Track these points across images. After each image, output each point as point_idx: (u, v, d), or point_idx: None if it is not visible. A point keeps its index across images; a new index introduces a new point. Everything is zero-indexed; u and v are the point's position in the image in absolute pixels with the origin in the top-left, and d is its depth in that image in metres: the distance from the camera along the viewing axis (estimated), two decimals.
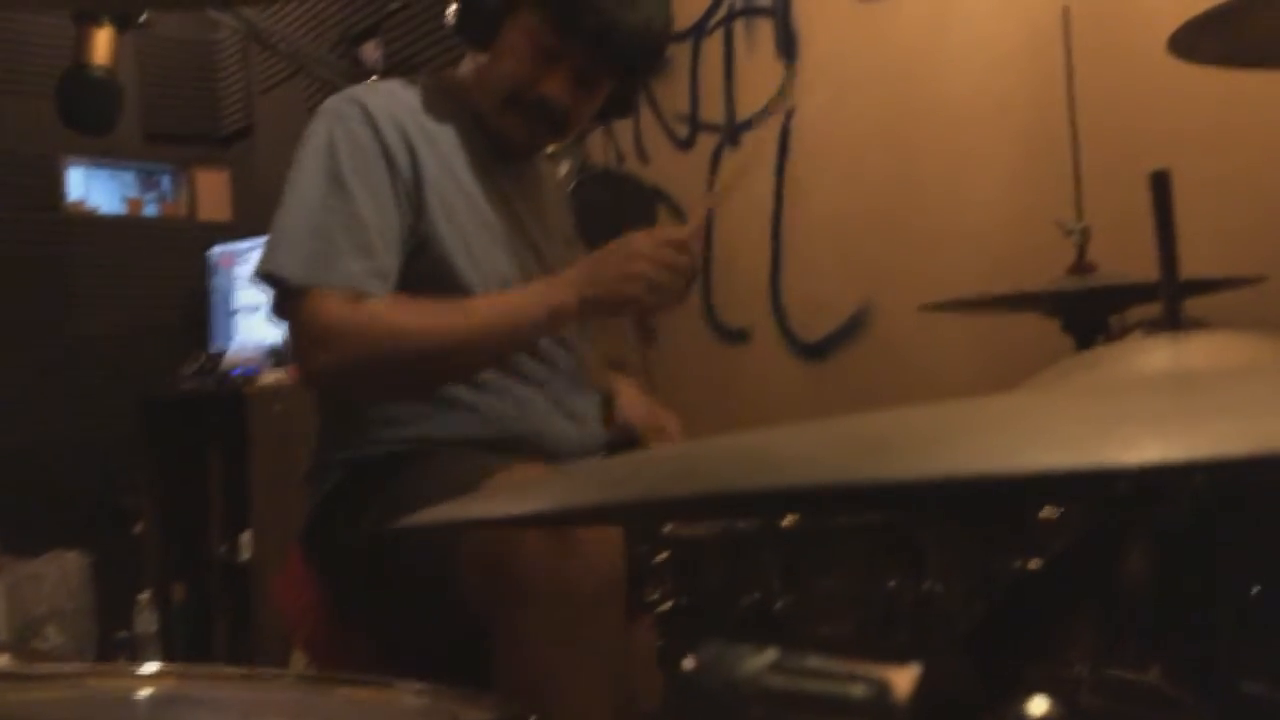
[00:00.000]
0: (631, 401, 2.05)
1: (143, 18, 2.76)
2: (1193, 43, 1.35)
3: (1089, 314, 1.88)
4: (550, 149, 2.12)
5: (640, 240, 1.69)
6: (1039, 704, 0.47)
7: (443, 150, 1.82)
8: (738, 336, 3.20)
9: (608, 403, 1.99)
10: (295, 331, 1.75)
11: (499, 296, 1.76)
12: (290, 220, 1.74)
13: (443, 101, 1.87)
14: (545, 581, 1.52)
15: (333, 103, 1.81)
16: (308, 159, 1.77)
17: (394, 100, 1.83)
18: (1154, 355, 0.94)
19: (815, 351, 2.98)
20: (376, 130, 1.76)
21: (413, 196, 1.77)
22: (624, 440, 1.96)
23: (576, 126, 1.91)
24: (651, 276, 1.66)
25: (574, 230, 2.12)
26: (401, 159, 1.76)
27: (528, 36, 1.78)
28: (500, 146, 1.89)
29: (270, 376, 4.08)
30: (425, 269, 1.77)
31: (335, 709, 0.88)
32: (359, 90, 1.86)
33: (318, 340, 1.70)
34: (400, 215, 1.75)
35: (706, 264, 3.15)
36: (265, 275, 1.74)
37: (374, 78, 2.71)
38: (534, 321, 1.72)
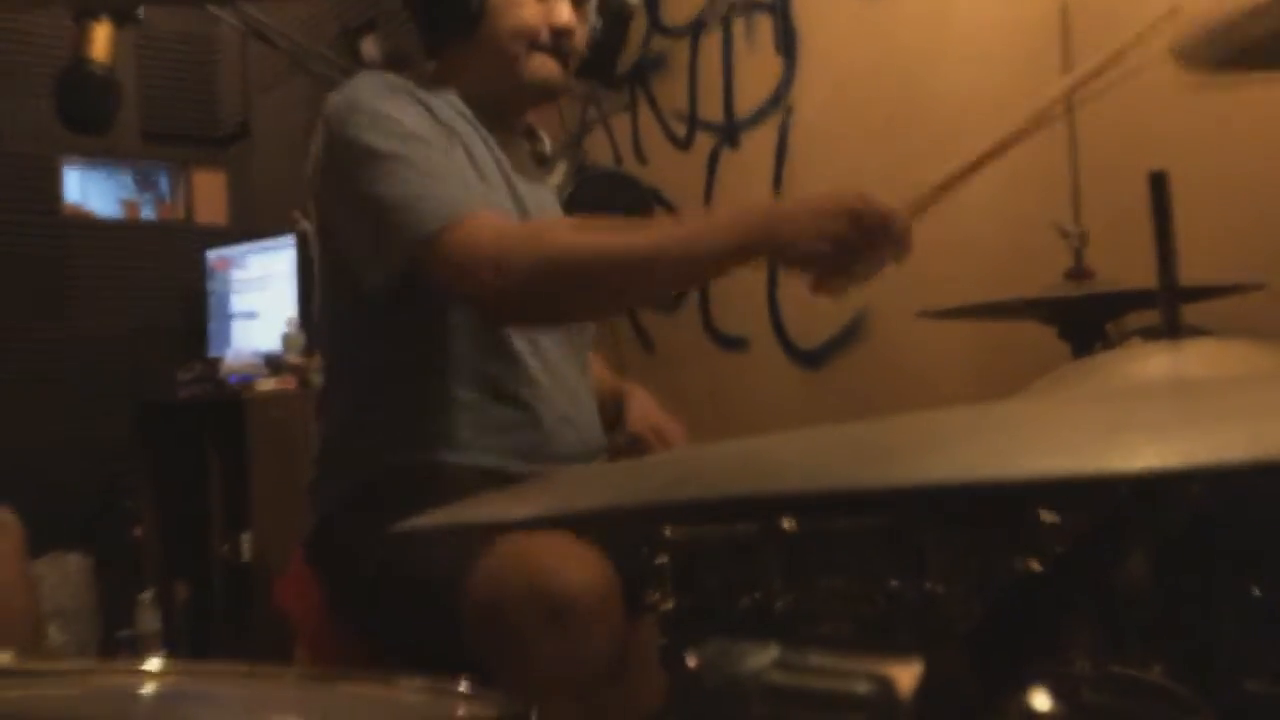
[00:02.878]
0: (640, 408, 2.05)
1: (141, 14, 2.75)
2: (1194, 52, 1.35)
3: (1086, 320, 1.89)
4: (548, 148, 2.13)
5: (853, 199, 1.57)
6: (1041, 700, 0.48)
7: (444, 117, 1.83)
8: (736, 344, 3.20)
9: (618, 407, 1.99)
10: (458, 266, 1.63)
11: (684, 219, 1.69)
12: (394, 192, 1.66)
13: (429, 85, 1.89)
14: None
15: (340, 96, 1.80)
16: (364, 138, 1.71)
17: (392, 81, 1.85)
18: (1152, 362, 0.95)
19: (813, 358, 2.99)
20: (397, 93, 1.78)
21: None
22: (630, 448, 1.96)
23: (582, 50, 1.93)
24: (847, 241, 1.55)
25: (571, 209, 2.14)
26: (427, 120, 1.78)
27: None
28: (493, 124, 1.91)
29: (268, 383, 4.08)
30: None
31: (337, 705, 0.89)
32: (366, 75, 1.87)
33: (489, 267, 1.60)
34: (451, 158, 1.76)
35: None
36: (409, 249, 1.65)
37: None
38: (722, 246, 1.60)
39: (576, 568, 1.53)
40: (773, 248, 1.60)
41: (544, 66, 1.89)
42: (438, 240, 1.62)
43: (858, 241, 1.55)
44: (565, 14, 1.87)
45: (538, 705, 1.30)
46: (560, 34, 1.87)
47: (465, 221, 1.63)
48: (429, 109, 1.79)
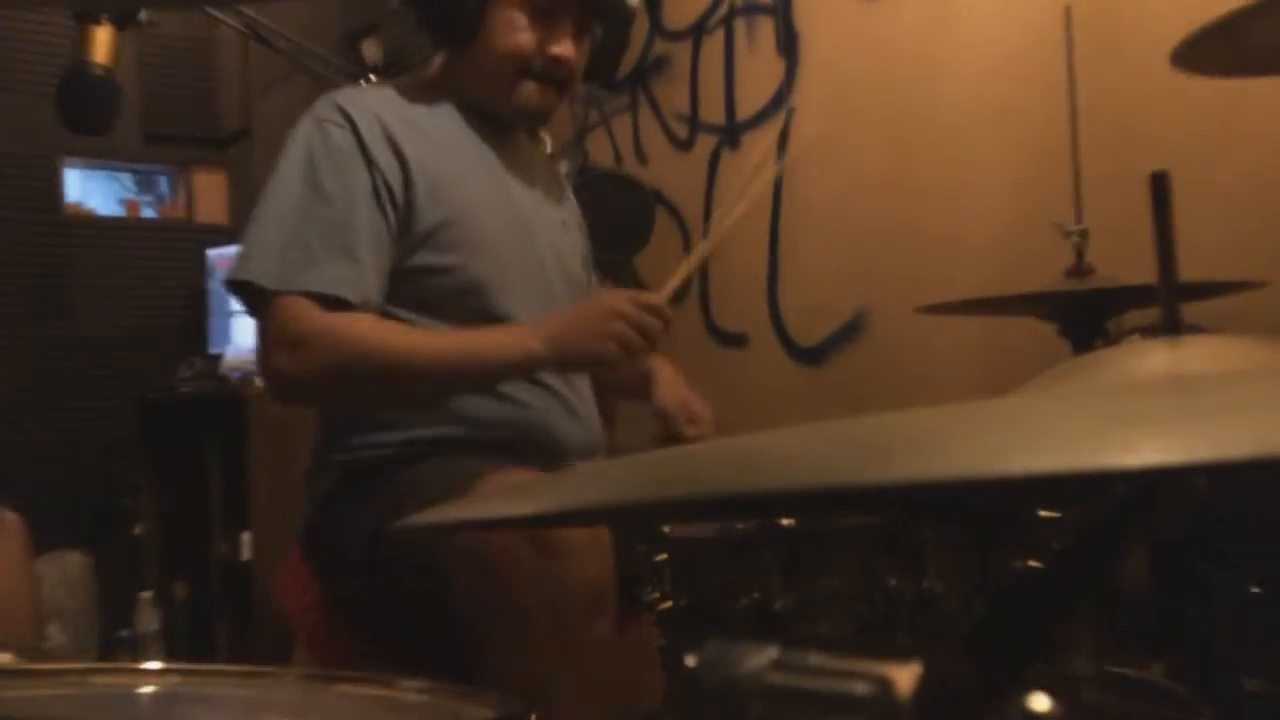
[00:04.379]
0: (669, 384, 2.05)
1: (143, 16, 2.75)
2: (1194, 55, 1.35)
3: (1087, 317, 1.89)
4: (548, 148, 2.13)
5: (617, 300, 1.73)
6: (1041, 700, 0.48)
7: (429, 137, 1.83)
8: (736, 341, 3.20)
9: (646, 381, 2.01)
10: (264, 335, 1.74)
11: (475, 332, 1.78)
12: (265, 228, 1.75)
13: (423, 94, 1.88)
14: (536, 583, 1.52)
15: (313, 108, 1.82)
16: (285, 166, 1.78)
17: (374, 98, 1.85)
18: (1151, 359, 0.95)
19: (813, 355, 2.98)
20: (355, 129, 1.77)
21: (400, 190, 1.77)
22: (662, 427, 1.98)
23: (577, 80, 1.94)
24: (626, 338, 1.71)
25: (578, 214, 2.13)
26: (382, 155, 1.77)
27: (519, 6, 1.83)
28: (491, 126, 1.91)
29: None
30: (425, 258, 1.79)
31: (336, 706, 0.88)
32: (339, 93, 1.87)
33: (286, 344, 1.71)
34: (384, 215, 1.76)
35: (705, 268, 3.15)
36: (238, 283, 1.75)
37: (373, 76, 2.72)
38: (505, 364, 1.75)
39: (573, 551, 1.54)
40: (561, 359, 1.75)
41: (532, 96, 1.88)
42: (264, 299, 1.72)
43: (635, 334, 1.72)
44: (563, 46, 1.86)
45: (526, 639, 1.31)
46: (555, 62, 1.86)
47: (286, 299, 1.71)
48: (393, 143, 1.79)
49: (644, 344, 1.73)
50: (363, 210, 1.74)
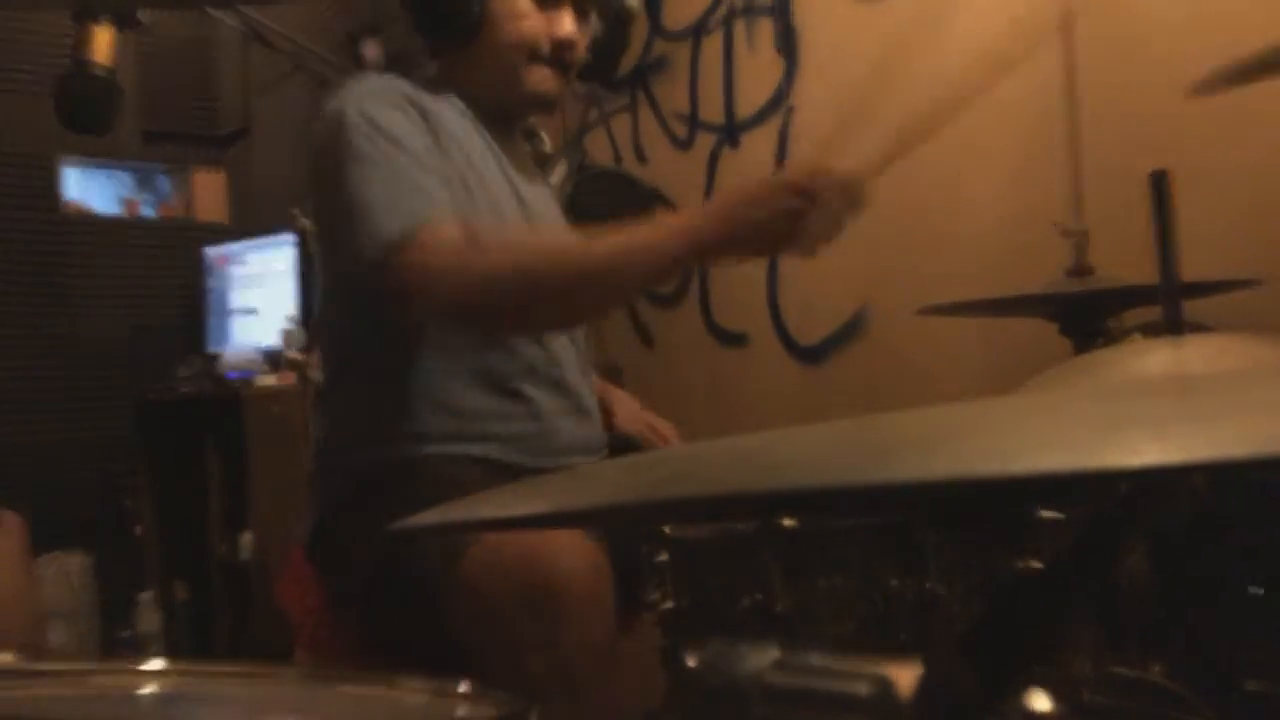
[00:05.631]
0: (628, 408, 2.06)
1: (143, 16, 2.75)
2: (1213, 86, 1.35)
3: (1087, 317, 1.89)
4: (548, 148, 2.13)
5: (784, 176, 1.63)
6: (1041, 700, 0.48)
7: (442, 121, 1.83)
8: (736, 339, 3.21)
9: (604, 413, 1.99)
10: (416, 270, 1.64)
11: (636, 229, 1.65)
12: (368, 192, 1.68)
13: (430, 86, 1.88)
14: (531, 579, 1.53)
15: (338, 97, 1.81)
16: (350, 139, 1.72)
17: (392, 82, 1.85)
18: (1152, 358, 0.95)
19: (813, 354, 2.99)
20: (390, 98, 1.77)
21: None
22: (624, 445, 1.97)
23: (579, 63, 1.93)
24: (801, 209, 1.60)
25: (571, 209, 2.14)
26: (419, 121, 1.78)
27: None
28: (495, 125, 1.91)
29: (267, 379, 4.08)
30: None
31: (338, 705, 0.88)
32: (357, 81, 1.86)
33: (443, 270, 1.63)
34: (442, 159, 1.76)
35: (704, 268, 3.16)
36: (375, 252, 1.65)
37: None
38: (671, 243, 1.62)
39: (566, 556, 1.53)
40: (731, 239, 1.62)
41: (543, 80, 1.88)
42: (400, 246, 1.64)
43: (807, 206, 1.60)
44: (567, 26, 1.86)
45: (534, 702, 1.31)
46: (561, 45, 1.87)
47: (423, 229, 1.64)
48: (424, 114, 1.78)
49: (820, 217, 1.60)
50: (432, 153, 1.73)
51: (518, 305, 1.67)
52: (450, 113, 1.86)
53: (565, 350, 1.88)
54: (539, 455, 1.78)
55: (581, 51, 1.91)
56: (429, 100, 1.83)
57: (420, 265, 1.63)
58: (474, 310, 1.67)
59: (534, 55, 1.86)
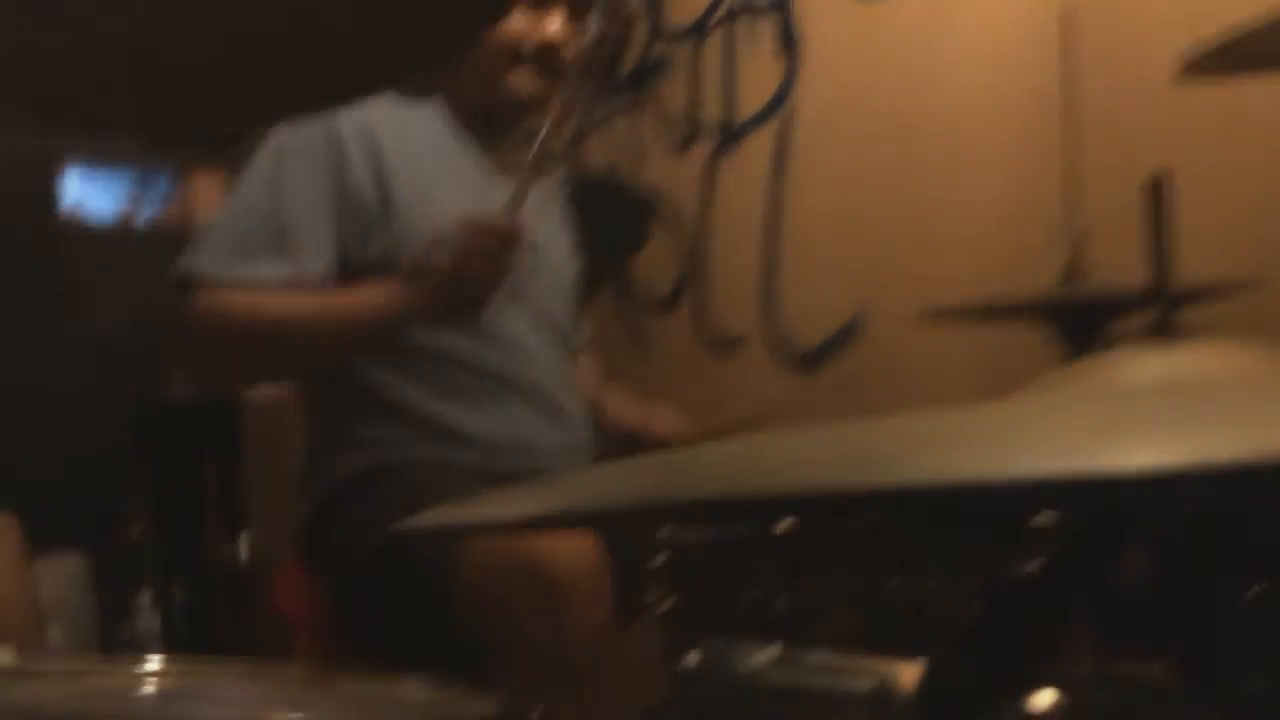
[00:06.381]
0: (622, 410, 2.05)
1: None
2: (1200, 67, 1.35)
3: (1085, 321, 1.89)
4: (556, 148, 2.12)
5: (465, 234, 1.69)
6: (1041, 700, 0.48)
7: (410, 148, 1.82)
8: (731, 343, 3.20)
9: (599, 412, 2.00)
10: (190, 322, 1.82)
11: (344, 293, 1.77)
12: (219, 222, 1.82)
13: (405, 104, 1.87)
14: (532, 569, 1.53)
15: (289, 131, 1.81)
16: (254, 163, 1.79)
17: (330, 124, 1.83)
18: (1147, 364, 0.95)
19: (810, 359, 2.98)
20: (330, 129, 1.76)
21: (373, 190, 1.76)
22: (633, 445, 1.97)
23: (577, 63, 1.92)
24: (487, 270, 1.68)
25: (563, 217, 2.12)
26: (359, 155, 1.76)
27: None
28: (478, 132, 1.89)
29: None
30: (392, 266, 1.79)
31: (338, 704, 0.89)
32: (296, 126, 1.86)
33: (209, 333, 1.79)
34: (340, 217, 1.77)
35: (701, 270, 3.16)
36: (183, 268, 1.83)
37: None
38: (373, 310, 1.74)
39: (565, 548, 1.53)
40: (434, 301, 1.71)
41: (526, 83, 1.84)
42: (195, 284, 1.81)
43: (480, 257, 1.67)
44: (553, 28, 1.82)
45: (534, 701, 1.31)
46: (547, 47, 1.83)
47: (213, 289, 1.78)
48: (367, 129, 1.78)
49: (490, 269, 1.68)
50: (320, 208, 1.75)
51: (251, 353, 1.83)
52: (416, 126, 1.84)
53: (549, 354, 1.88)
54: (521, 456, 1.78)
55: (574, 51, 1.88)
56: (396, 120, 1.81)
57: (190, 311, 1.82)
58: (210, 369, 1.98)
59: (515, 57, 1.83)
